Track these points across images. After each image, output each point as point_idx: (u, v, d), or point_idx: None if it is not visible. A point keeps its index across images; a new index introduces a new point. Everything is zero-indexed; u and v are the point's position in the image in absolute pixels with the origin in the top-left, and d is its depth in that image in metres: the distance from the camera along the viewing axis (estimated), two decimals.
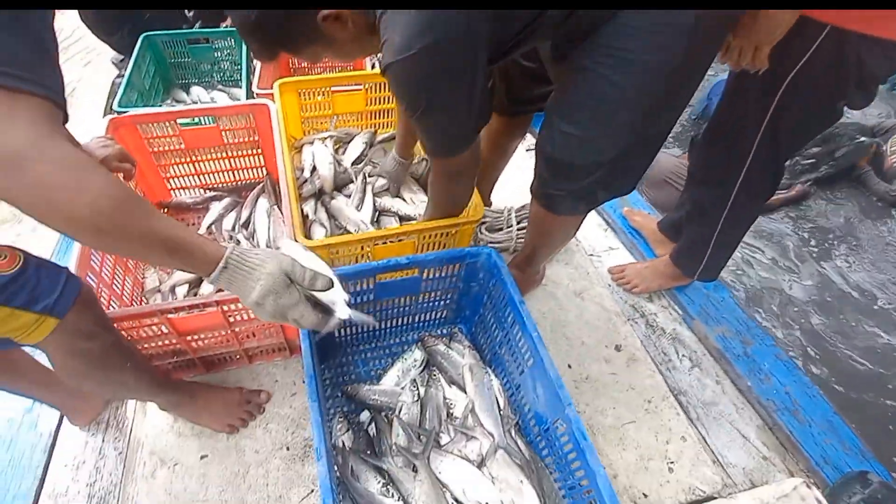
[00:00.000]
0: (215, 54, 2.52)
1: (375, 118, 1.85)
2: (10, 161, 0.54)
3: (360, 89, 1.77)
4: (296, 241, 1.14)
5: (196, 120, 1.65)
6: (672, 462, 1.24)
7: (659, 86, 0.89)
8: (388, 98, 1.81)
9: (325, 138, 1.74)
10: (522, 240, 1.67)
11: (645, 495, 1.18)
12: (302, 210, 1.48)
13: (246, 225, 1.61)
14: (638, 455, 1.25)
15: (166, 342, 1.16)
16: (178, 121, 1.53)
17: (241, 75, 2.43)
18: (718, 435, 1.35)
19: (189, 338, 1.18)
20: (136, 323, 1.06)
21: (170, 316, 1.06)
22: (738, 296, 1.99)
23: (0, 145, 0.54)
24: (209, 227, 1.63)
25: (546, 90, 1.24)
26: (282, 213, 1.56)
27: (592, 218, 1.97)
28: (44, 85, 0.58)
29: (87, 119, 2.33)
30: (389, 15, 0.79)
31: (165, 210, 1.73)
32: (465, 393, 1.20)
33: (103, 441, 1.29)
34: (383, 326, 1.37)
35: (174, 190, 1.73)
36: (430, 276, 1.22)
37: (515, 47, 0.92)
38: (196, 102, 2.37)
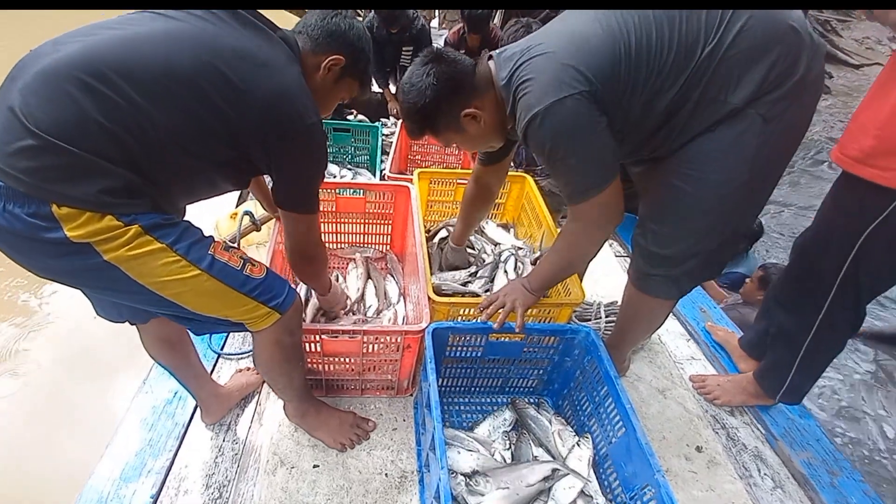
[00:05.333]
0: (352, 141, 3.07)
1: None
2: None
3: None
4: (428, 296, 1.39)
5: (341, 190, 2.04)
6: None
7: (727, 199, 1.13)
8: (501, 194, 2.12)
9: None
10: (608, 333, 1.81)
11: None
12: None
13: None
14: None
15: (309, 360, 1.40)
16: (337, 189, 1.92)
17: (363, 159, 3.06)
18: None
19: (327, 359, 1.41)
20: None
21: (324, 336, 1.31)
22: (825, 424, 1.95)
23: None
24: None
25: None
26: (395, 277, 1.91)
27: (676, 328, 2.08)
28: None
29: None
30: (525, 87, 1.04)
31: None
32: (552, 455, 1.31)
33: (223, 441, 1.50)
34: (480, 384, 1.53)
35: None
36: (532, 343, 1.39)
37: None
38: (334, 176, 2.85)
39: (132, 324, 1.20)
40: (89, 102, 0.78)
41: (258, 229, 1.90)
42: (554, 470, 1.20)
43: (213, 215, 2.40)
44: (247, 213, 1.90)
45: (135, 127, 0.82)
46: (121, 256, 0.84)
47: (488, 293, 1.70)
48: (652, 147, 1.17)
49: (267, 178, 2.34)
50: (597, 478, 1.25)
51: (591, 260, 1.43)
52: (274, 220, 1.73)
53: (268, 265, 1.07)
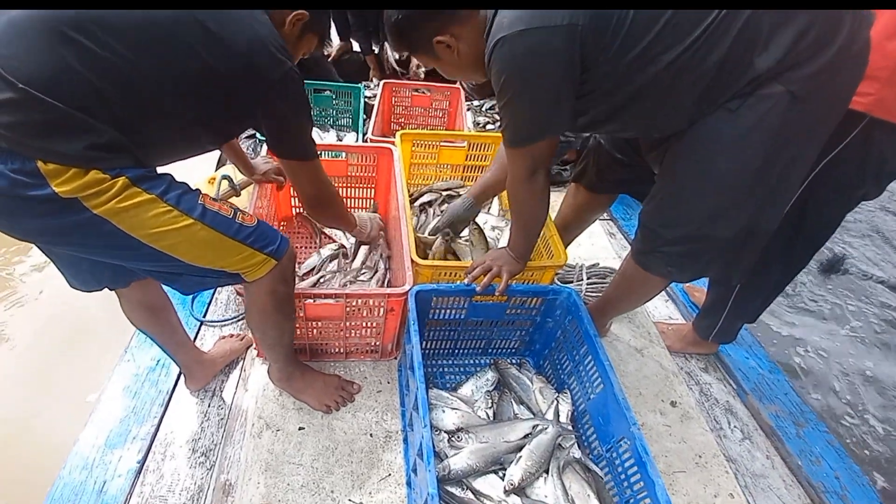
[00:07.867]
0: (333, 103, 2.99)
1: (471, 172, 2.14)
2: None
3: (463, 146, 2.07)
4: (412, 259, 1.38)
5: (323, 152, 2.00)
6: None
7: (735, 188, 1.07)
8: (485, 157, 2.10)
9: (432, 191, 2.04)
10: (590, 295, 1.84)
11: None
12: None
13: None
14: (687, 501, 1.33)
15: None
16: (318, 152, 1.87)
17: (346, 122, 3.00)
18: None
19: (311, 323, 1.41)
20: None
21: (307, 300, 1.31)
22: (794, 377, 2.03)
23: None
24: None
25: (629, 177, 1.48)
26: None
27: None
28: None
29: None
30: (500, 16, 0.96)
31: (284, 223, 2.06)
32: (532, 413, 1.35)
33: (209, 407, 1.52)
34: (464, 346, 1.55)
35: (297, 207, 2.07)
36: (514, 304, 1.41)
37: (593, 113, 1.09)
38: (321, 138, 2.79)
39: (111, 289, 1.18)
40: (70, 53, 0.76)
41: (237, 194, 1.85)
42: (534, 426, 1.24)
43: (191, 180, 2.33)
44: (225, 177, 1.85)
45: (118, 79, 0.80)
46: (111, 209, 0.83)
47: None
48: (662, 123, 1.09)
49: (244, 145, 2.28)
50: (574, 432, 1.30)
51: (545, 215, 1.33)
52: (253, 184, 1.69)
53: None
